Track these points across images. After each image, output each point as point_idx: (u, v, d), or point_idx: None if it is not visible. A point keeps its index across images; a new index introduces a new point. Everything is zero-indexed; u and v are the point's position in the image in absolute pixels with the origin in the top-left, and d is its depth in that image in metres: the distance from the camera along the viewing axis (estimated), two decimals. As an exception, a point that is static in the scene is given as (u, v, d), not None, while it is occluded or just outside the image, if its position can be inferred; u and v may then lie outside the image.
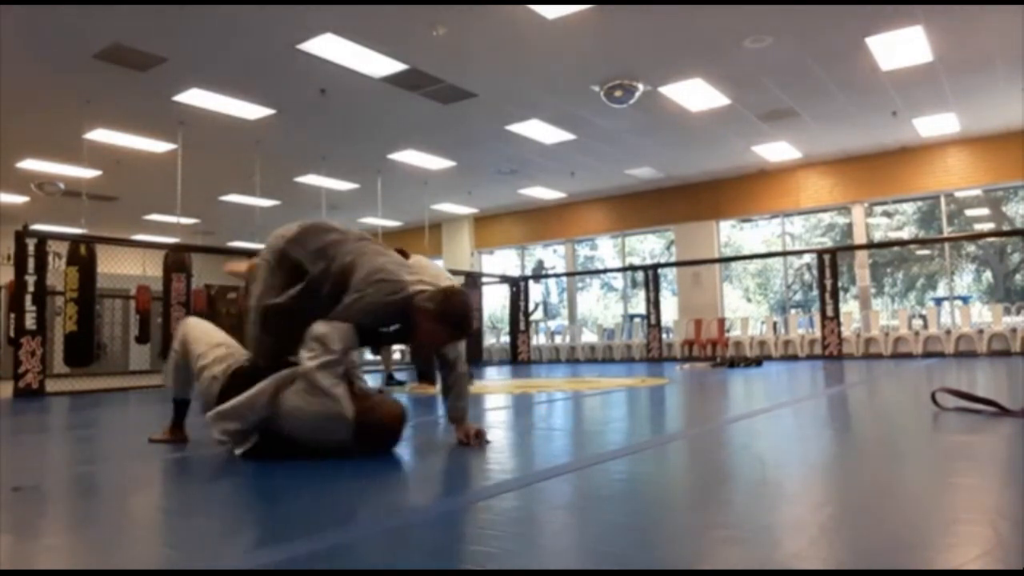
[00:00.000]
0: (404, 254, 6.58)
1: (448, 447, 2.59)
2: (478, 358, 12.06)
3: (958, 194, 11.94)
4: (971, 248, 13.02)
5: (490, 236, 16.35)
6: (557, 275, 16.26)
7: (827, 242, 13.57)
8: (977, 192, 11.93)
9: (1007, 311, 11.03)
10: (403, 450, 2.49)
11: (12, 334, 7.36)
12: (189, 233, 14.57)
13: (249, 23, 6.60)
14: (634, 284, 15.14)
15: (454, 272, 11.68)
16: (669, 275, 13.85)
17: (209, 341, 2.60)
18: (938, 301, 12.20)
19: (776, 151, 11.65)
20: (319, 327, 2.34)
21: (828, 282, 10.55)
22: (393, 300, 2.39)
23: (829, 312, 10.50)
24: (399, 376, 7.33)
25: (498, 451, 2.51)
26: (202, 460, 2.48)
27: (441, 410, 4.22)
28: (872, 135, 10.95)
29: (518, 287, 13.51)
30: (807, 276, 14.10)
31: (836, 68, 8.18)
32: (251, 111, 8.87)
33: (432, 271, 6.20)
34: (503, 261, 16.81)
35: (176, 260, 8.46)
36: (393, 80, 7.99)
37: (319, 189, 12.34)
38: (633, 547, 1.25)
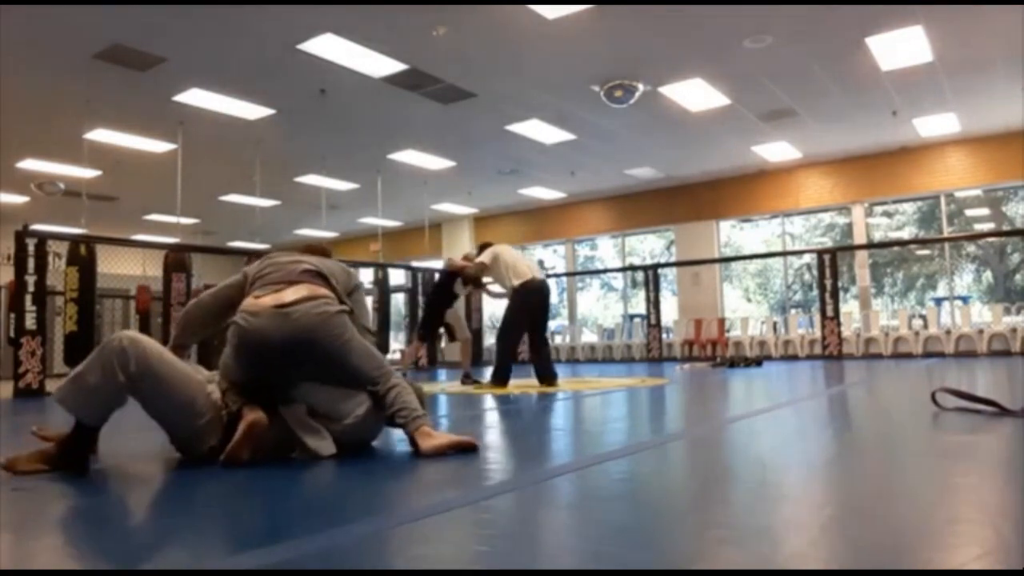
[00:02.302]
0: (487, 245, 6.46)
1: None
2: (479, 358, 12.05)
3: (958, 194, 11.94)
4: (971, 248, 13.01)
5: (490, 236, 16.23)
6: (557, 275, 16.24)
7: (827, 242, 13.56)
8: (977, 192, 11.92)
9: (1007, 311, 11.03)
10: (402, 449, 2.49)
11: (12, 334, 7.36)
12: (189, 233, 14.56)
13: (249, 23, 6.60)
14: (634, 284, 15.13)
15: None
16: (669, 275, 13.84)
17: (193, 373, 2.32)
18: (938, 301, 12.20)
19: (776, 151, 11.65)
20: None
21: (828, 282, 10.54)
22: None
23: (829, 312, 10.50)
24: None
25: (498, 451, 2.51)
26: (202, 461, 2.47)
27: (454, 409, 4.22)
28: (872, 135, 10.95)
29: (518, 287, 13.45)
30: (807, 276, 14.09)
31: (836, 68, 8.18)
32: (251, 111, 8.87)
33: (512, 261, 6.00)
34: (503, 261, 16.78)
35: (176, 260, 8.47)
36: (393, 80, 7.99)
37: (319, 189, 12.35)
38: (633, 547, 1.24)
